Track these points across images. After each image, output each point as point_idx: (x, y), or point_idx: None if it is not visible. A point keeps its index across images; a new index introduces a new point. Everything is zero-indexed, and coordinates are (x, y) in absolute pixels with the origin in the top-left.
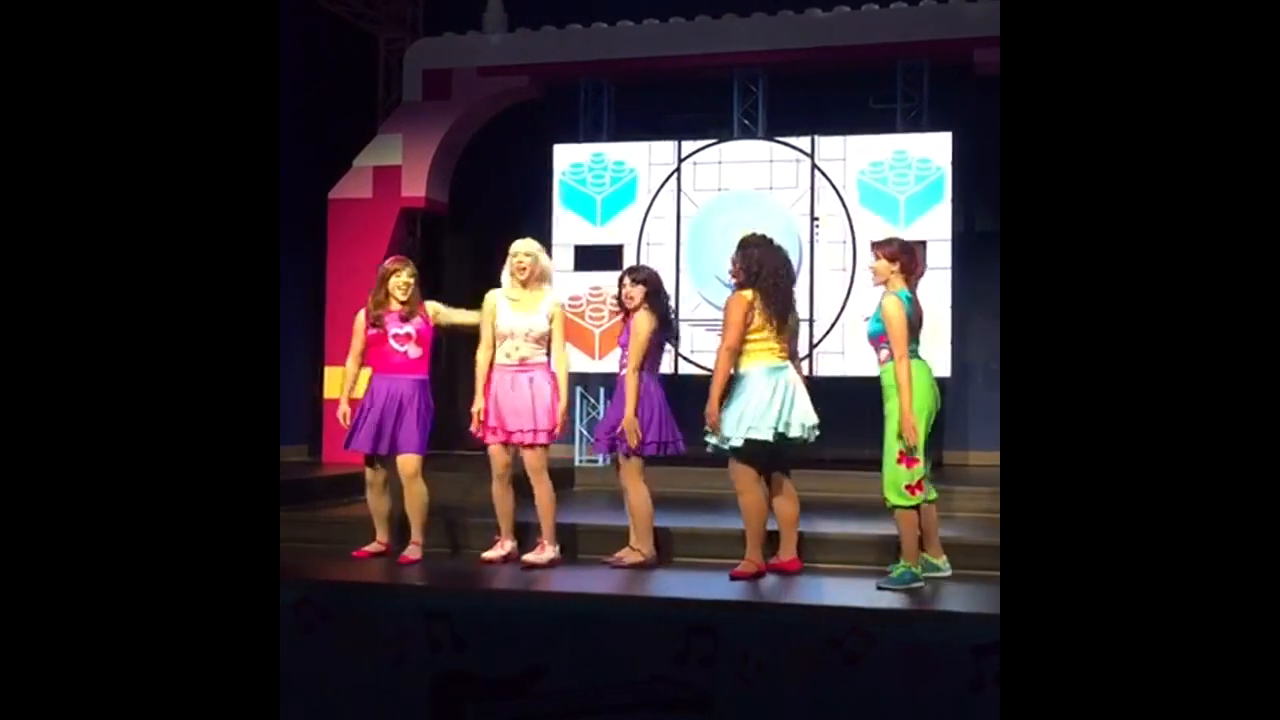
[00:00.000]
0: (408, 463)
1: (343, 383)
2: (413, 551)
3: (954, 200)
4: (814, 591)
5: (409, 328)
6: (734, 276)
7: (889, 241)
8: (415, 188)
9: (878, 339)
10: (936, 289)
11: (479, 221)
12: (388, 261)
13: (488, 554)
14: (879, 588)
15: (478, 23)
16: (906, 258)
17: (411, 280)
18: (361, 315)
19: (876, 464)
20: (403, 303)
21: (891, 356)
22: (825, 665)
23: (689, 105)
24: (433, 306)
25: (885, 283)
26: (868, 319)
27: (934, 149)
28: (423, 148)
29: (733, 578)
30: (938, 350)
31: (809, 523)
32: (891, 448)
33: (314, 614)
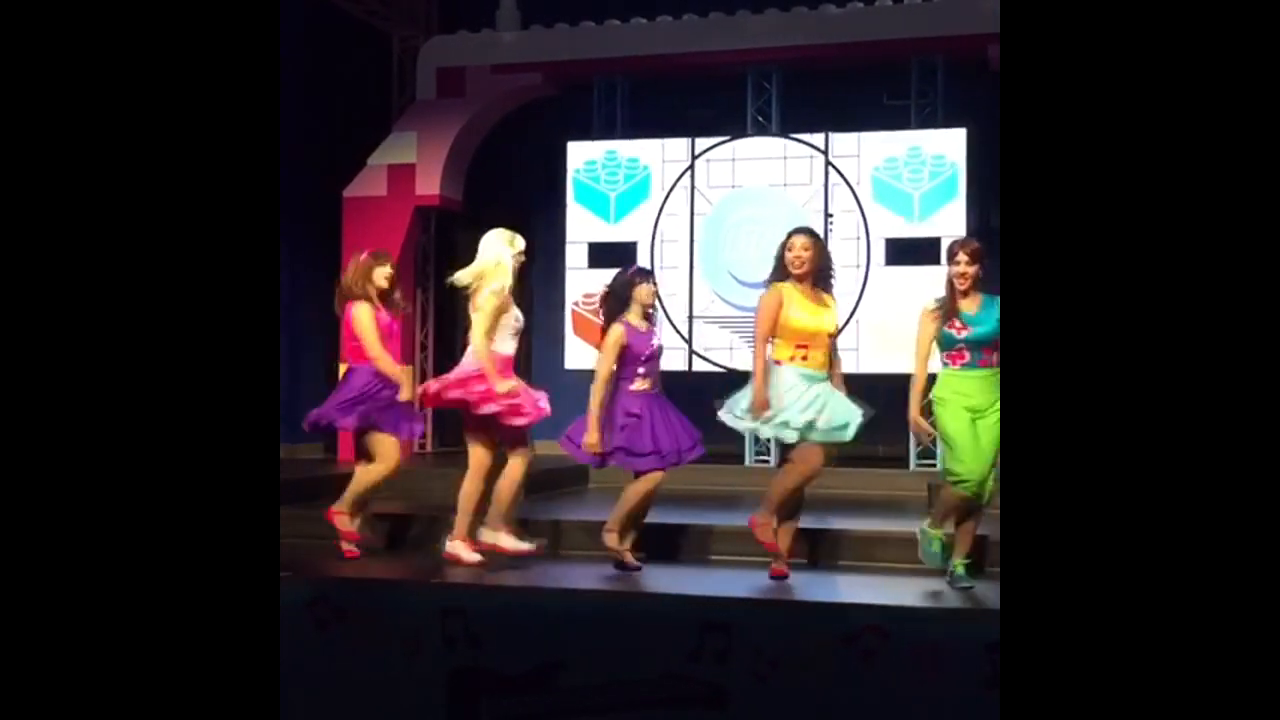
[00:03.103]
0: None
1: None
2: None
3: (968, 196)
4: (829, 589)
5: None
6: (799, 266)
7: (969, 240)
8: (429, 185)
9: (993, 343)
10: None
11: (493, 219)
12: (364, 255)
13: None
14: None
15: (491, 20)
16: (985, 260)
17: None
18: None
19: (891, 461)
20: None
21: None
22: (840, 662)
23: (703, 102)
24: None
25: (971, 288)
26: (966, 327)
27: (948, 145)
28: (437, 146)
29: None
30: None
31: (821, 520)
32: (997, 442)
33: (328, 611)
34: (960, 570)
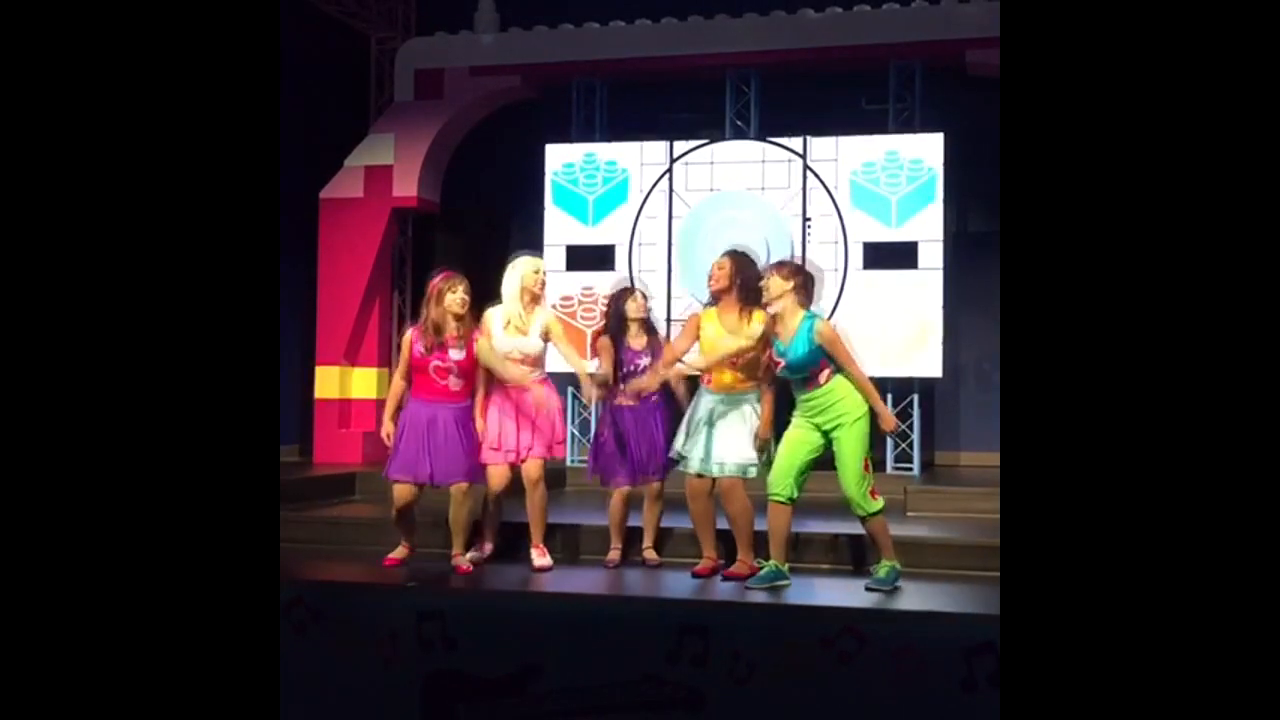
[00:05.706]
0: (458, 489)
1: (389, 402)
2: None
3: (945, 201)
4: (805, 592)
5: (451, 361)
6: (711, 285)
7: (784, 262)
8: (407, 187)
9: (817, 364)
10: (928, 290)
11: (471, 221)
12: (439, 278)
13: (470, 555)
14: (868, 589)
15: (470, 22)
16: (802, 278)
17: (469, 297)
18: (410, 335)
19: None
20: (459, 318)
21: (835, 373)
22: (817, 665)
23: (681, 105)
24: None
25: (777, 300)
26: (780, 352)
27: (926, 150)
28: (414, 147)
29: (726, 578)
30: (929, 351)
31: (798, 523)
32: (858, 456)
33: (305, 614)
34: (883, 574)
